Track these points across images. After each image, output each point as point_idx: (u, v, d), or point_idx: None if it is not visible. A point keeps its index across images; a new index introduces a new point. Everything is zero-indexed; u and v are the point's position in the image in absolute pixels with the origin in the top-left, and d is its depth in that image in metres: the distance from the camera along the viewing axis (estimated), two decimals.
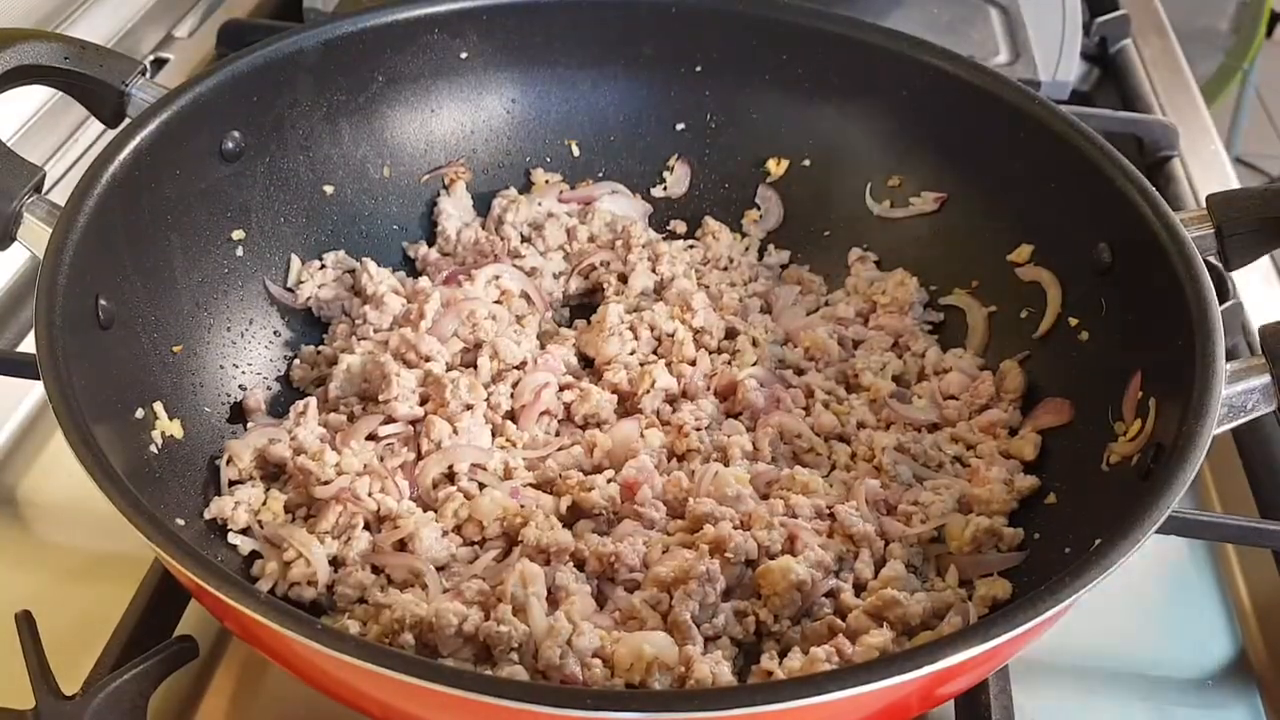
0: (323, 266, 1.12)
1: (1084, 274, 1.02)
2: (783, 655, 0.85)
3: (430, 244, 1.19)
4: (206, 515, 0.92)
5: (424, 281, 1.11)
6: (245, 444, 0.96)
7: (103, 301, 0.89)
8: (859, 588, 0.90)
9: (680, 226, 1.24)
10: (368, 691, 0.72)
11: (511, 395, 1.03)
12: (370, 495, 0.94)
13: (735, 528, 0.91)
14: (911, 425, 1.04)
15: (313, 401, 1.01)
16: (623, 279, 1.17)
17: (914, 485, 0.99)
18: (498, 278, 1.13)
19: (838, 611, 0.88)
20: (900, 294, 1.13)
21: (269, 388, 1.06)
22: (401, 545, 0.92)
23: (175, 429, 0.94)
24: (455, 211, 1.19)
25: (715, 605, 0.87)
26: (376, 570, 0.91)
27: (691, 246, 1.22)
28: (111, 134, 0.97)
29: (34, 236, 0.89)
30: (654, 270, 1.16)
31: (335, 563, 0.91)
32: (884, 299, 1.14)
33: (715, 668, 0.81)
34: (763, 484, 0.98)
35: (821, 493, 0.96)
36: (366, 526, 0.93)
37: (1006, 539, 0.93)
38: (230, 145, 1.04)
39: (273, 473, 0.97)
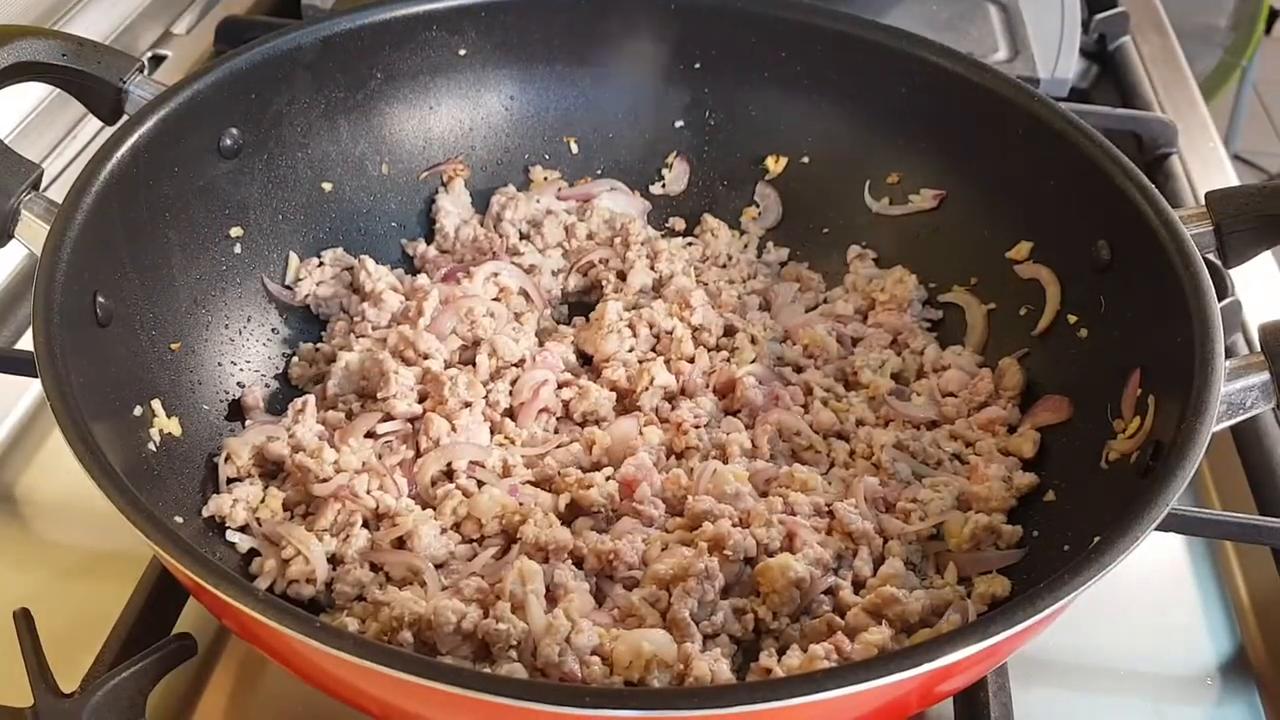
0: (321, 264, 1.12)
1: (1083, 271, 1.02)
2: (781, 653, 0.85)
3: (428, 242, 1.19)
4: (205, 513, 0.92)
5: (422, 279, 1.11)
6: (243, 442, 0.96)
7: (100, 299, 0.89)
8: (858, 585, 0.90)
9: (679, 224, 1.24)
10: (366, 689, 0.72)
11: (510, 393, 1.03)
12: (369, 493, 0.94)
13: (734, 525, 0.91)
14: (910, 423, 1.04)
15: (311, 399, 1.01)
16: (621, 276, 1.17)
17: (913, 483, 0.99)
18: (496, 275, 1.12)
19: (836, 609, 0.88)
20: (899, 291, 1.13)
21: (267, 385, 1.05)
22: (400, 543, 0.92)
23: (173, 426, 0.94)
24: (454, 209, 1.19)
25: (714, 603, 0.87)
26: (375, 568, 0.91)
27: (690, 244, 1.21)
28: (109, 131, 0.97)
29: (32, 234, 0.89)
30: (653, 268, 1.16)
31: (334, 560, 0.91)
32: (883, 296, 1.14)
33: (714, 665, 0.81)
34: (762, 481, 0.98)
35: (820, 490, 0.96)
36: (365, 524, 0.93)
37: (1005, 536, 0.93)
38: (228, 142, 1.04)
39: (271, 470, 0.97)
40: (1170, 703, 0.94)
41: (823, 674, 0.66)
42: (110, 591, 0.89)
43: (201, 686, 0.90)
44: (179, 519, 0.88)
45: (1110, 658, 0.97)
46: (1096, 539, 0.74)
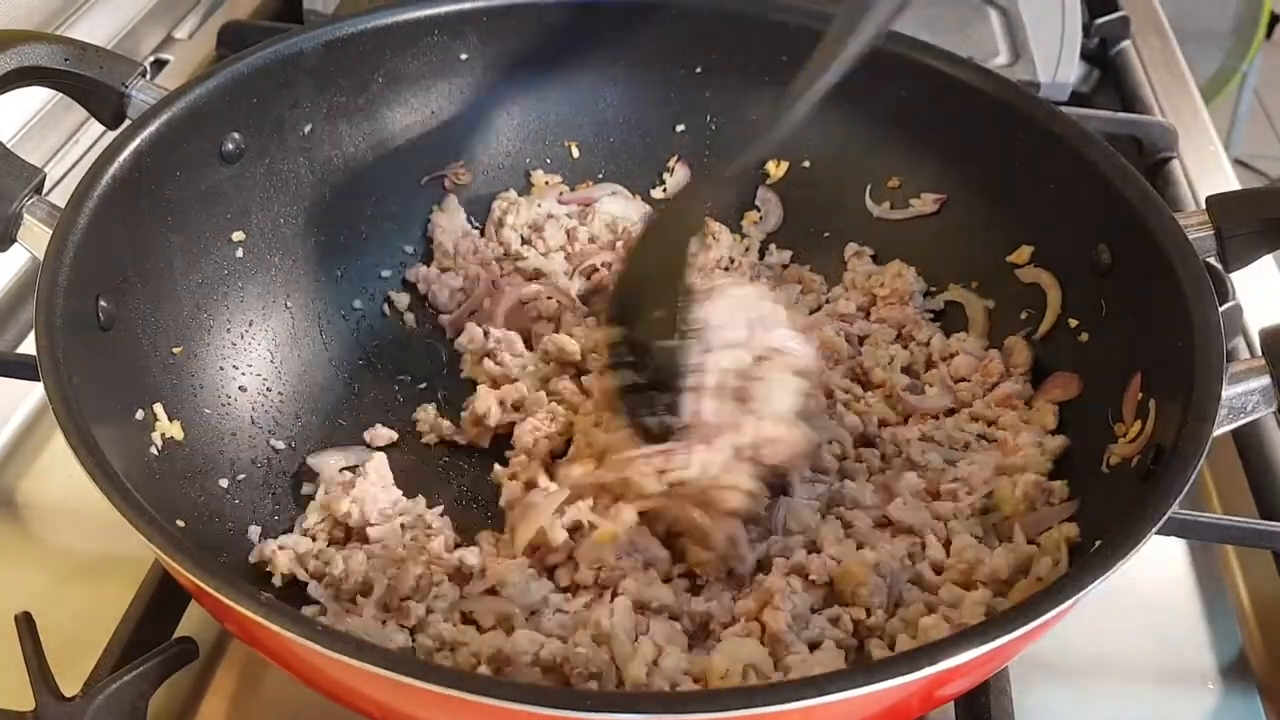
0: None
1: (1084, 275, 1.02)
2: (891, 646, 0.84)
3: (426, 262, 1.18)
4: (251, 559, 0.91)
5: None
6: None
7: (103, 303, 0.89)
8: (937, 571, 0.90)
9: None
10: (369, 693, 0.72)
11: None
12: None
13: (806, 552, 0.90)
14: (929, 414, 1.04)
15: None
16: None
17: (947, 468, 0.99)
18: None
19: (928, 591, 0.88)
20: (899, 285, 1.13)
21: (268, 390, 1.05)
22: (490, 592, 0.89)
23: (175, 431, 0.94)
24: (449, 225, 1.18)
25: (807, 616, 0.85)
26: (465, 619, 0.87)
27: None
28: (111, 136, 0.97)
29: (34, 238, 0.89)
30: None
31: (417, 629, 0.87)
32: (883, 291, 1.14)
33: (828, 657, 0.81)
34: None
35: (871, 503, 0.95)
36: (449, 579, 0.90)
37: (1056, 491, 0.93)
38: (230, 147, 1.04)
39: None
40: (1171, 706, 0.94)
41: (824, 678, 0.66)
42: (112, 595, 0.89)
43: (203, 690, 0.90)
44: (181, 523, 0.88)
45: (1111, 661, 0.97)
46: (1098, 543, 0.74)
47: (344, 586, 0.89)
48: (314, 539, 0.94)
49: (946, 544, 0.92)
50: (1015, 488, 0.93)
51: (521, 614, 0.86)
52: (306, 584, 0.89)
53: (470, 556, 0.90)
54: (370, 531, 0.93)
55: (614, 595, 0.87)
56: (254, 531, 0.95)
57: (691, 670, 0.81)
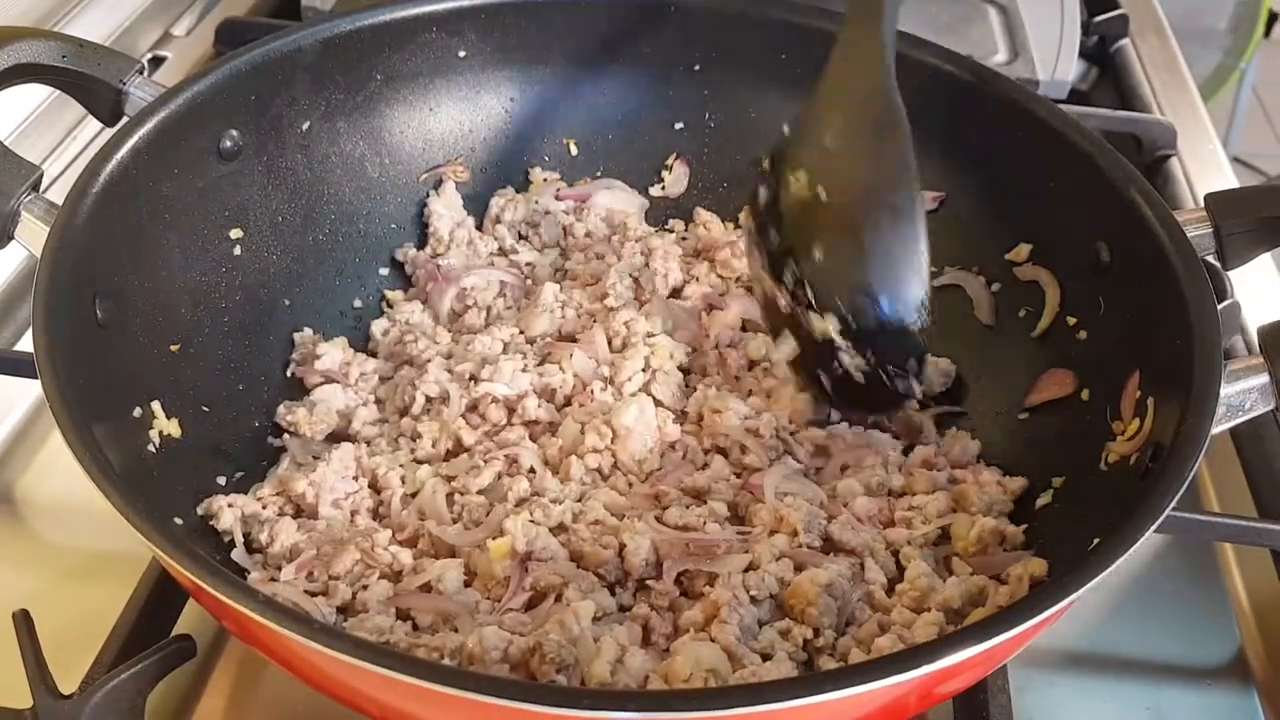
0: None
1: (1082, 273, 1.02)
2: (844, 660, 0.83)
3: (420, 246, 1.18)
4: (199, 510, 0.92)
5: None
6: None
7: (100, 300, 0.89)
8: (888, 594, 0.89)
9: (679, 226, 1.24)
10: (366, 691, 0.72)
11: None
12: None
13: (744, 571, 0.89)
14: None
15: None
16: None
17: (903, 495, 0.98)
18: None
19: (879, 611, 0.87)
20: None
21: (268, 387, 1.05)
22: (426, 589, 0.88)
23: (173, 428, 0.94)
24: (446, 212, 1.18)
25: (755, 630, 0.85)
26: (400, 615, 0.87)
27: (684, 239, 1.21)
28: (109, 133, 0.97)
29: (31, 235, 0.89)
30: (647, 265, 1.16)
31: (345, 610, 0.88)
32: None
33: (780, 668, 0.81)
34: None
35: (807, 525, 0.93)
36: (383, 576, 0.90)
37: (1010, 537, 0.93)
38: (228, 144, 1.04)
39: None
40: (1169, 705, 0.94)
41: (822, 676, 0.67)
42: (110, 593, 0.89)
43: (201, 688, 0.90)
44: (178, 520, 0.88)
45: (1109, 659, 0.97)
46: (1096, 541, 0.74)
47: (270, 551, 0.90)
48: (264, 507, 0.94)
49: (900, 569, 0.92)
50: (972, 528, 0.93)
51: (468, 615, 0.85)
52: (235, 547, 0.91)
53: (404, 555, 0.90)
54: (320, 511, 0.94)
55: (556, 599, 0.86)
56: None
57: (655, 672, 0.81)
